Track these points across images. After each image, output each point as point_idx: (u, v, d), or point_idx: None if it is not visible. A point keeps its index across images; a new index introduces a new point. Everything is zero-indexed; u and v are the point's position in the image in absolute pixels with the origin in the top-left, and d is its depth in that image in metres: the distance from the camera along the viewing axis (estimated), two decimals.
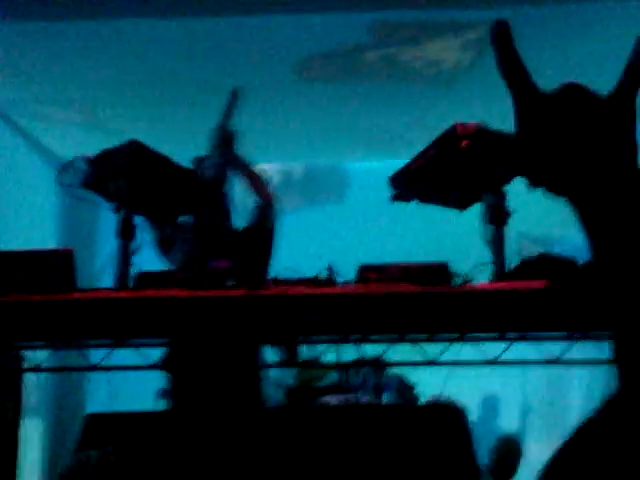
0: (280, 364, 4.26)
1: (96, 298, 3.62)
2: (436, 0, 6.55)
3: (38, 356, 4.15)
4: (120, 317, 3.64)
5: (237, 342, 4.09)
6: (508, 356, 3.95)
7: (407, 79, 7.73)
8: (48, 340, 3.84)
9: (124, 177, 3.89)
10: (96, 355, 4.02)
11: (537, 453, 7.49)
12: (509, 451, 6.63)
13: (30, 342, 3.91)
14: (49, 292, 3.54)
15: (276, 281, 3.67)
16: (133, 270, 3.97)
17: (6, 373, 4.05)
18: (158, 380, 4.53)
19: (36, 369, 4.11)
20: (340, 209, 9.06)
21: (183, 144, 4.99)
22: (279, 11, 6.41)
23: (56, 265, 3.61)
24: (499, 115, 3.73)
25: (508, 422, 7.09)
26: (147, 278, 3.75)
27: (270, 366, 4.08)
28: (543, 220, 7.00)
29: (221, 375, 4.34)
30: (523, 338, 3.84)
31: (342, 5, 6.45)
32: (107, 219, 4.37)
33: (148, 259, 4.33)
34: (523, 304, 3.59)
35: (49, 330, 3.66)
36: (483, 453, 5.65)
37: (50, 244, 7.69)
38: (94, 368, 3.98)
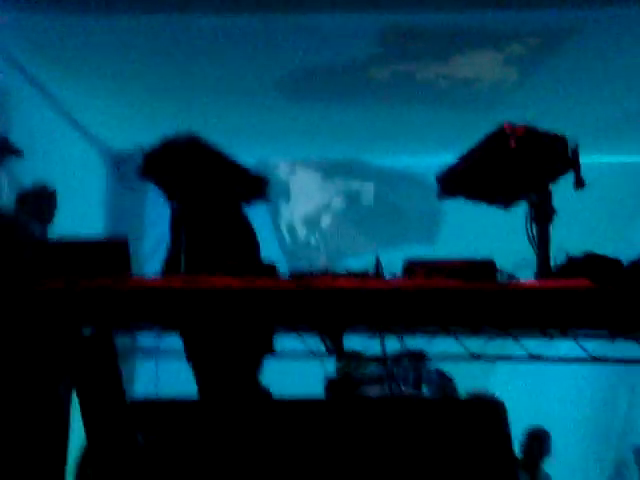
0: (325, 355, 4.32)
1: (151, 286, 3.73)
2: (467, 2, 5.40)
3: None
4: (171, 305, 3.74)
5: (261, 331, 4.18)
6: (549, 353, 4.00)
7: (429, 101, 6.74)
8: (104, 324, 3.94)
9: (180, 168, 4.01)
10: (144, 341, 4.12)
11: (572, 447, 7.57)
12: (536, 442, 6.68)
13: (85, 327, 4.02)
14: (106, 278, 3.66)
15: (327, 273, 3.76)
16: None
17: (61, 357, 4.16)
18: None
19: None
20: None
21: None
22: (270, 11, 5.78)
23: (113, 253, 3.73)
24: None
25: (544, 417, 7.10)
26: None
27: (315, 355, 4.14)
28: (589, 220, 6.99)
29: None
30: (564, 336, 3.87)
31: (343, 6, 5.54)
32: (153, 207, 4.51)
33: None
34: (566, 302, 3.64)
35: (104, 315, 3.77)
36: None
37: (98, 230, 7.84)
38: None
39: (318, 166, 8.70)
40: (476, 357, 3.98)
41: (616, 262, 3.70)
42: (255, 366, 4.73)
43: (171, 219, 4.11)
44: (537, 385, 7.77)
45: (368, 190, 8.63)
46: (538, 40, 5.88)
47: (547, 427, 6.76)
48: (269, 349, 4.44)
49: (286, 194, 8.76)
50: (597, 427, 8.12)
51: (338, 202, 8.74)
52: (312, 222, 8.82)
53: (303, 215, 8.86)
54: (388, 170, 8.66)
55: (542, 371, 6.62)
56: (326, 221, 8.80)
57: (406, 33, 5.90)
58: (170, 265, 4.20)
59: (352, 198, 8.68)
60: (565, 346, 3.98)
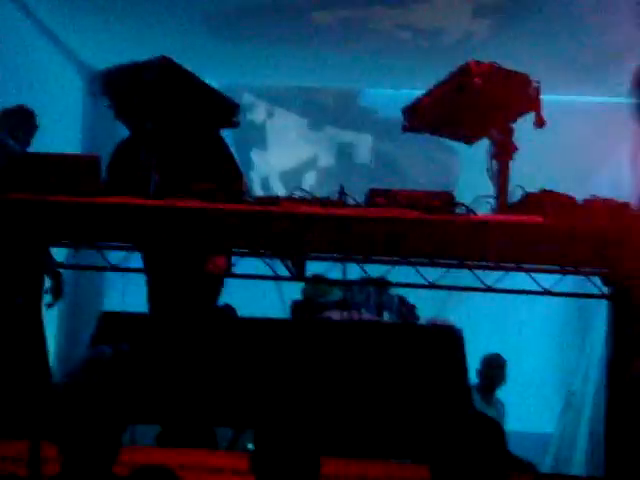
0: (288, 278, 4.42)
1: (118, 204, 3.81)
2: None
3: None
4: (138, 223, 3.84)
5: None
6: (503, 285, 4.12)
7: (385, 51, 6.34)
8: (72, 240, 4.02)
9: (151, 92, 4.05)
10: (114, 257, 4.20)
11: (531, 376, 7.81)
12: (492, 368, 6.86)
13: (55, 241, 4.11)
14: (76, 195, 3.73)
15: (290, 199, 3.86)
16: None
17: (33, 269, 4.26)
18: None
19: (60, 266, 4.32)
20: None
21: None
22: None
23: (83, 169, 3.80)
24: None
25: (503, 347, 7.30)
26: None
27: (279, 279, 4.23)
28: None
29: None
30: (518, 269, 3.99)
31: None
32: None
33: None
34: (520, 236, 3.77)
35: (74, 231, 3.86)
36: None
37: (73, 148, 7.86)
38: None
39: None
40: (433, 286, 4.08)
41: (570, 199, 3.83)
42: (216, 287, 4.87)
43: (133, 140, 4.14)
44: (498, 316, 7.97)
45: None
46: None
47: (505, 356, 6.95)
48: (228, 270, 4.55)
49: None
50: (554, 358, 8.37)
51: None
52: None
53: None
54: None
55: (504, 303, 6.76)
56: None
57: None
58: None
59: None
60: (522, 279, 4.10)
